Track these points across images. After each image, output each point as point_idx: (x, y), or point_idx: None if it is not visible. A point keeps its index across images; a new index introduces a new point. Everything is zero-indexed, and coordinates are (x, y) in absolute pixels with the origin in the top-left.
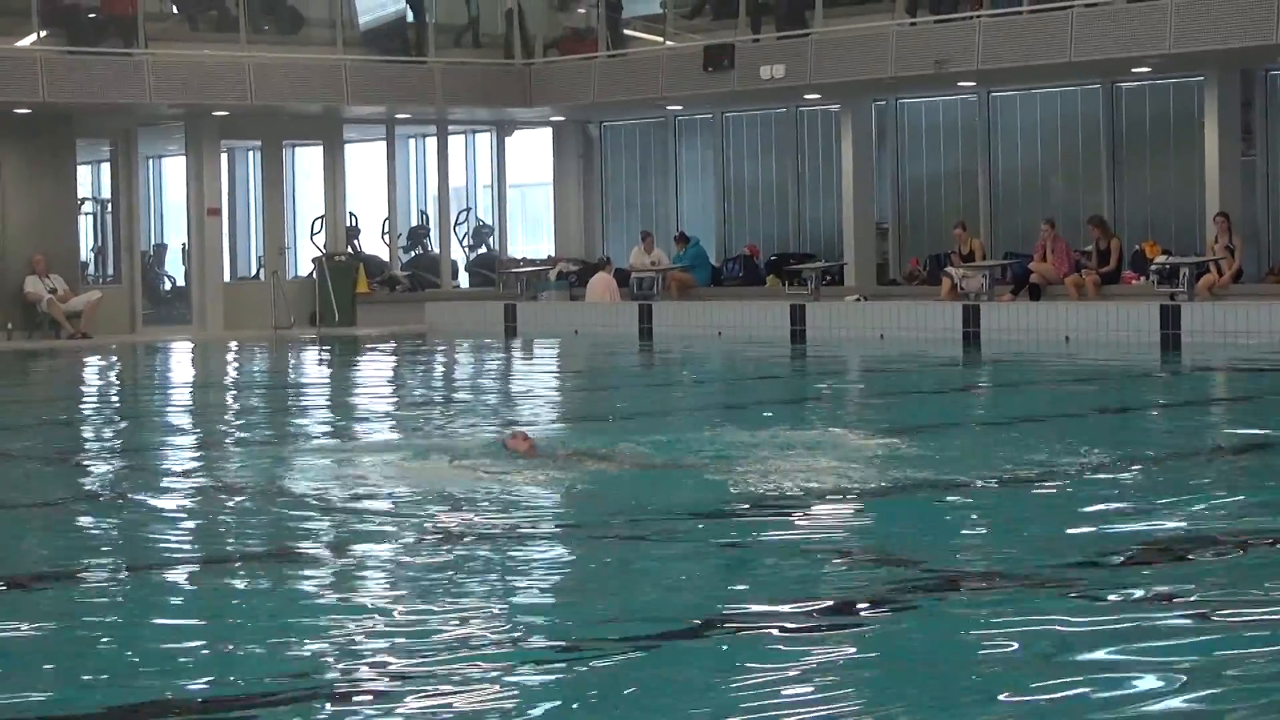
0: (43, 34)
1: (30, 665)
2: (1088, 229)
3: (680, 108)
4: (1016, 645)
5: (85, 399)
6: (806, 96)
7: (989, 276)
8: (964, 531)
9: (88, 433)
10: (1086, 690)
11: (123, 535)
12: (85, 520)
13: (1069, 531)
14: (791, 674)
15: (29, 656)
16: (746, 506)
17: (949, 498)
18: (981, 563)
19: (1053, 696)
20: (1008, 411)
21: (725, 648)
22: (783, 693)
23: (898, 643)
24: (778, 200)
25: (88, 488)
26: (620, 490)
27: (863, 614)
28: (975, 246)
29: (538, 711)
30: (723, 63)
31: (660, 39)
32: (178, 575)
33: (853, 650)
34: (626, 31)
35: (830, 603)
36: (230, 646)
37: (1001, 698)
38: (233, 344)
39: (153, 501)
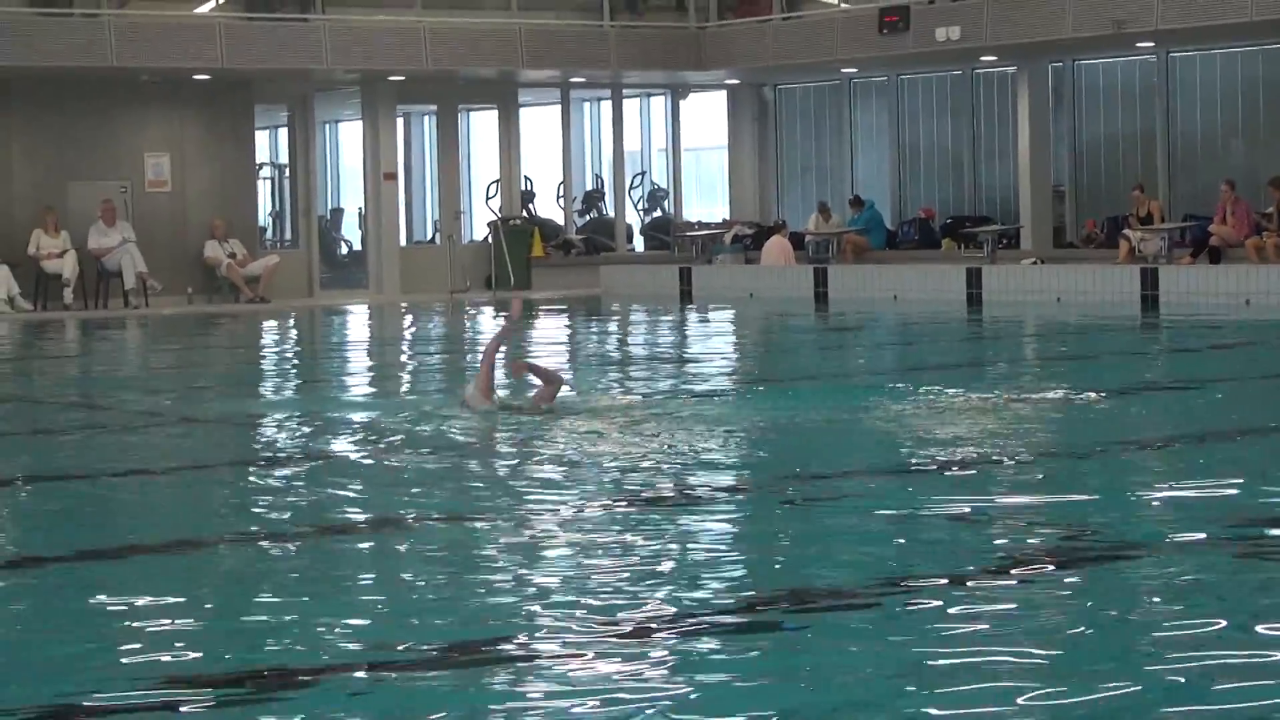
0: (221, 0)
1: (211, 624)
2: (1268, 190)
3: (855, 70)
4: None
5: (267, 360)
6: (982, 58)
7: (1167, 239)
8: (1148, 494)
9: (271, 392)
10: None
11: (315, 495)
12: (268, 481)
13: (1254, 497)
14: (969, 636)
15: (220, 616)
16: (925, 468)
17: (1131, 460)
18: (1167, 525)
19: (1238, 661)
20: (1188, 375)
21: (896, 613)
22: (958, 658)
23: (1076, 605)
24: (953, 163)
25: (275, 446)
26: (798, 450)
27: (1039, 576)
28: (1153, 209)
29: (717, 677)
30: (898, 24)
31: (835, 1)
32: (358, 537)
33: (1026, 614)
34: None
35: (1003, 567)
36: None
37: (1180, 661)
38: (406, 307)
39: (352, 459)
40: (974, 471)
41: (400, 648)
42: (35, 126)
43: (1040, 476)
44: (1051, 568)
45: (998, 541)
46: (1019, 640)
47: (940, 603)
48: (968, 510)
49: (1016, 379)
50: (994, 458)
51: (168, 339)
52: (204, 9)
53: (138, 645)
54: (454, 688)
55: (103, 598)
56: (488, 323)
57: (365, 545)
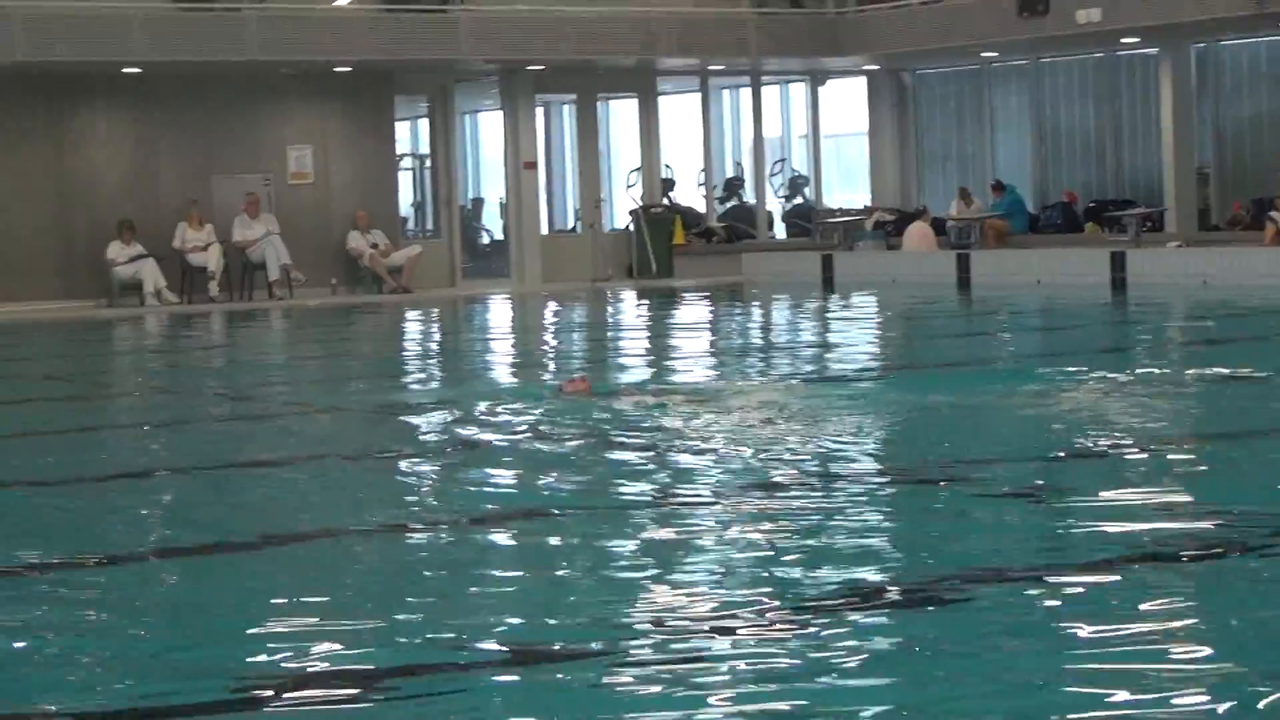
0: None
1: (374, 609)
2: None
3: (995, 54)
4: None
5: (411, 349)
6: (1124, 40)
7: None
8: None
9: (416, 382)
10: None
11: (459, 484)
12: (413, 470)
13: None
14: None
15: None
16: (1075, 453)
17: None
18: None
19: None
20: None
21: (1044, 601)
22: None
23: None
24: (1095, 146)
25: (420, 435)
26: (934, 432)
27: (1193, 566)
28: None
29: (858, 661)
30: (1038, 7)
31: None
32: (508, 526)
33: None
34: None
35: (1154, 555)
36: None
37: None
38: (550, 296)
39: (499, 447)
40: (1142, 455)
41: (555, 642)
42: (179, 121)
43: (1199, 463)
44: (1204, 557)
45: (1157, 528)
46: (1173, 630)
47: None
48: (1125, 496)
49: (1166, 361)
50: (1151, 443)
51: (312, 329)
52: (343, 1)
53: (288, 639)
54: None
55: (250, 586)
56: (630, 310)
57: (515, 536)
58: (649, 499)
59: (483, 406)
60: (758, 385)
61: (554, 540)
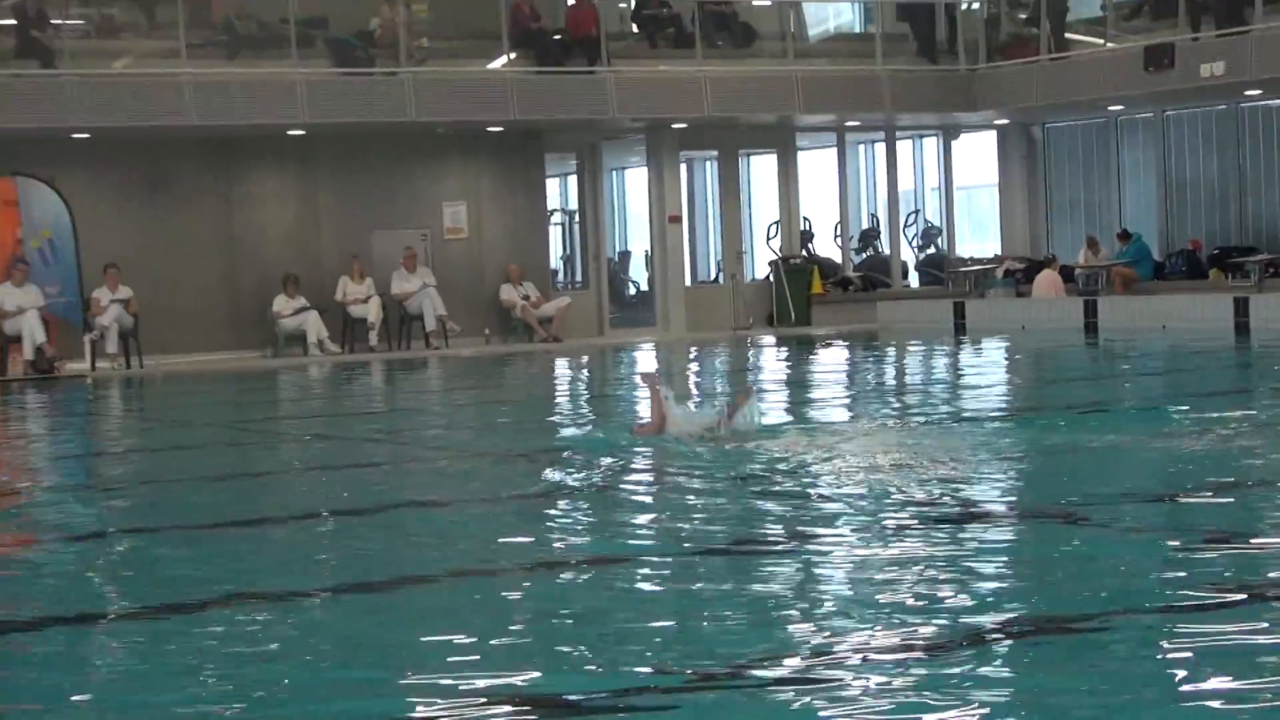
0: (512, 56)
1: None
2: None
3: (1121, 108)
4: None
5: (560, 396)
6: (1247, 92)
7: None
8: None
9: (567, 427)
10: None
11: (599, 523)
12: (558, 511)
13: None
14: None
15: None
16: (1203, 490)
17: None
18: None
19: None
20: None
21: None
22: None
23: None
24: (1220, 195)
25: (563, 479)
26: (1067, 472)
27: None
28: None
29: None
30: (1163, 61)
31: (1101, 41)
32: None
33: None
34: (1068, 35)
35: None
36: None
37: None
38: (694, 343)
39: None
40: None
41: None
42: (340, 180)
43: None
44: None
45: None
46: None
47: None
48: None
49: None
50: (1260, 485)
51: (467, 378)
52: (496, 64)
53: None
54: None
55: (407, 622)
56: (771, 357)
57: (654, 573)
58: (786, 536)
59: (625, 448)
60: (891, 426)
61: (698, 574)
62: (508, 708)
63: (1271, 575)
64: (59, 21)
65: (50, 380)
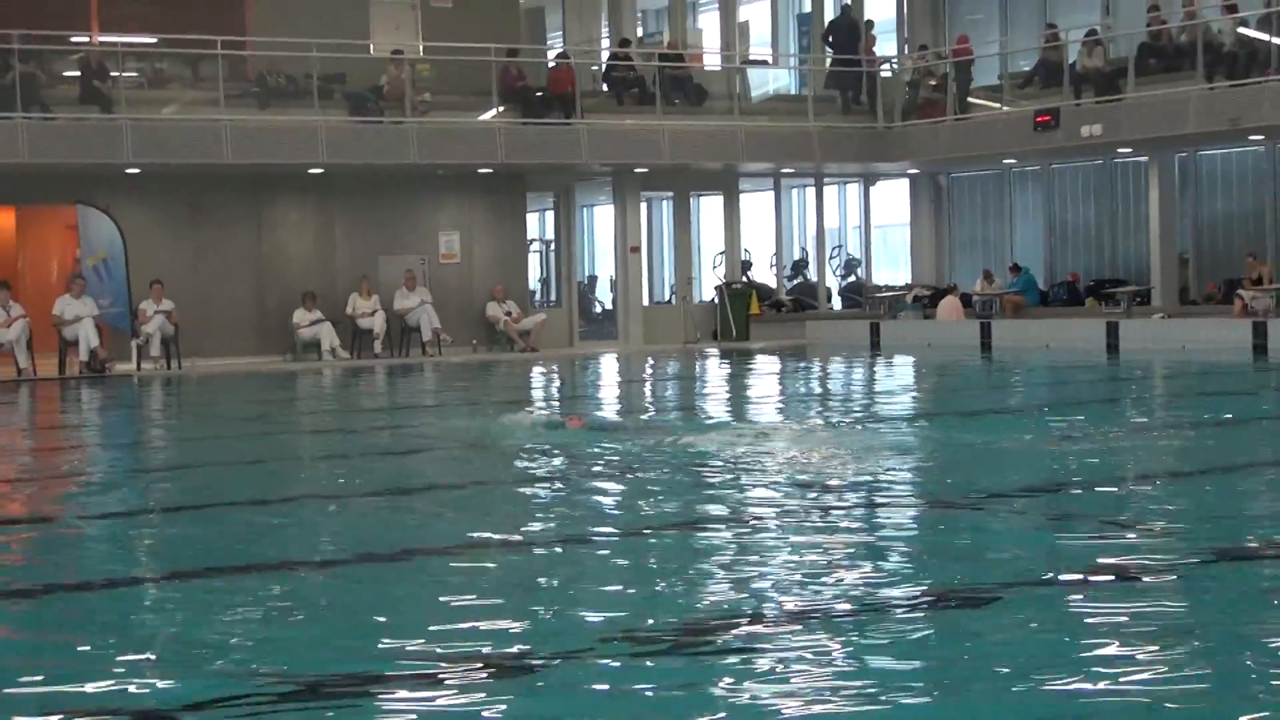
0: (501, 109)
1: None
2: None
3: (1014, 161)
4: None
5: (535, 393)
6: (1120, 150)
7: (1276, 297)
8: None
9: (537, 419)
10: None
11: (579, 505)
12: (530, 494)
13: None
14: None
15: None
16: (1070, 485)
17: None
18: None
19: None
20: None
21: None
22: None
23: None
24: (1096, 235)
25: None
26: (967, 469)
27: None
28: (1264, 272)
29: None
30: (1050, 124)
31: (998, 105)
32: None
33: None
34: (970, 99)
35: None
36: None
37: None
38: (650, 354)
39: (604, 475)
40: (1113, 489)
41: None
42: (353, 212)
43: (1170, 490)
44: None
45: (1120, 542)
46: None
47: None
48: (1099, 521)
49: (1149, 412)
50: (1129, 478)
51: (457, 380)
52: (487, 116)
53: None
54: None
55: (403, 588)
56: (714, 365)
57: (616, 546)
58: (722, 516)
59: (595, 438)
60: (814, 426)
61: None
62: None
63: (1133, 558)
64: (117, 74)
65: (101, 379)
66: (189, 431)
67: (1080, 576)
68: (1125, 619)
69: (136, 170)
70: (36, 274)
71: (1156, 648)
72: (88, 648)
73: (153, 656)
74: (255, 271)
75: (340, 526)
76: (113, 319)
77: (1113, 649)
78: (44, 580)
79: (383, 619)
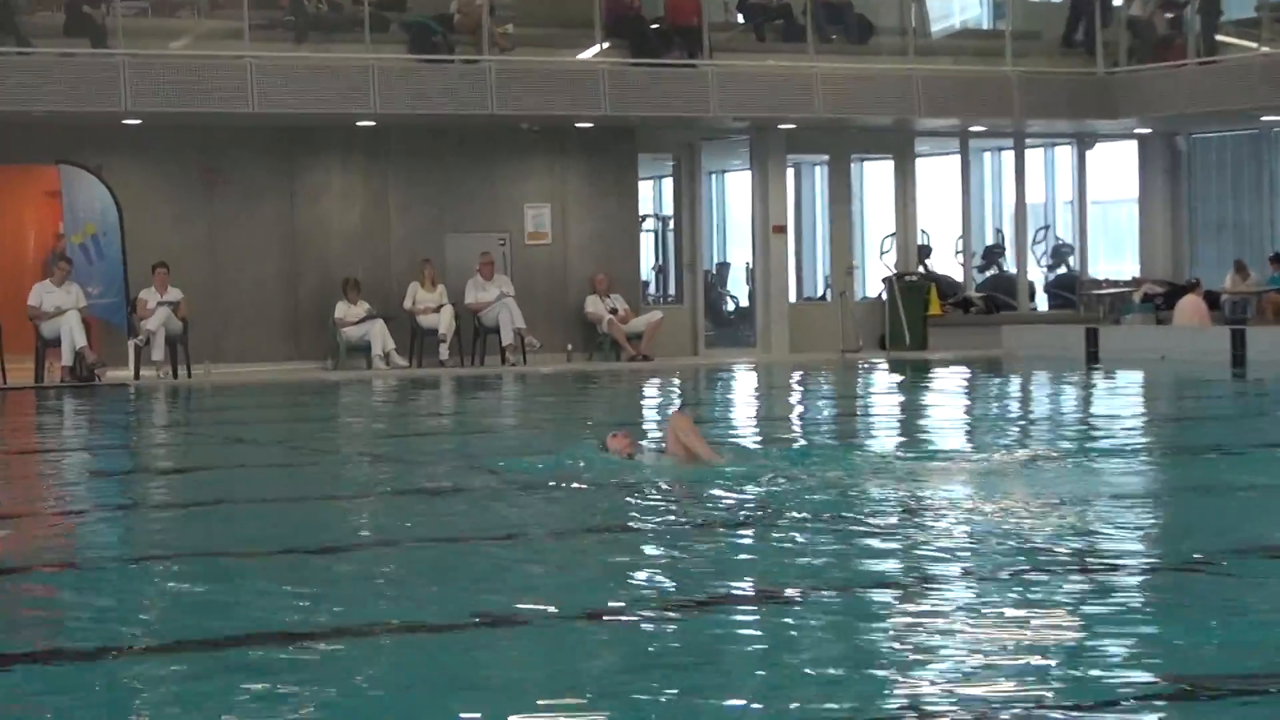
0: (605, 45)
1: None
2: None
3: (1277, 118)
4: None
5: (648, 421)
6: None
7: None
8: None
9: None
10: None
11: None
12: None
13: None
14: None
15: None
16: None
17: None
18: None
19: None
20: None
21: None
22: None
23: None
24: None
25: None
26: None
27: None
28: None
29: None
30: None
31: (1255, 44)
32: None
33: None
34: (1218, 37)
35: None
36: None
37: None
38: (797, 367)
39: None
40: None
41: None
42: (413, 177)
43: None
44: None
45: None
46: None
47: None
48: None
49: None
50: None
51: (547, 398)
52: (587, 54)
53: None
54: None
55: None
56: (882, 383)
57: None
58: (901, 578)
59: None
60: (1021, 461)
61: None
62: None
63: None
64: None
65: (90, 389)
66: (193, 486)
67: None
68: None
69: (136, 121)
70: (8, 254)
71: None
72: None
73: None
74: (287, 253)
75: None
76: (104, 312)
77: None
78: None
79: None
